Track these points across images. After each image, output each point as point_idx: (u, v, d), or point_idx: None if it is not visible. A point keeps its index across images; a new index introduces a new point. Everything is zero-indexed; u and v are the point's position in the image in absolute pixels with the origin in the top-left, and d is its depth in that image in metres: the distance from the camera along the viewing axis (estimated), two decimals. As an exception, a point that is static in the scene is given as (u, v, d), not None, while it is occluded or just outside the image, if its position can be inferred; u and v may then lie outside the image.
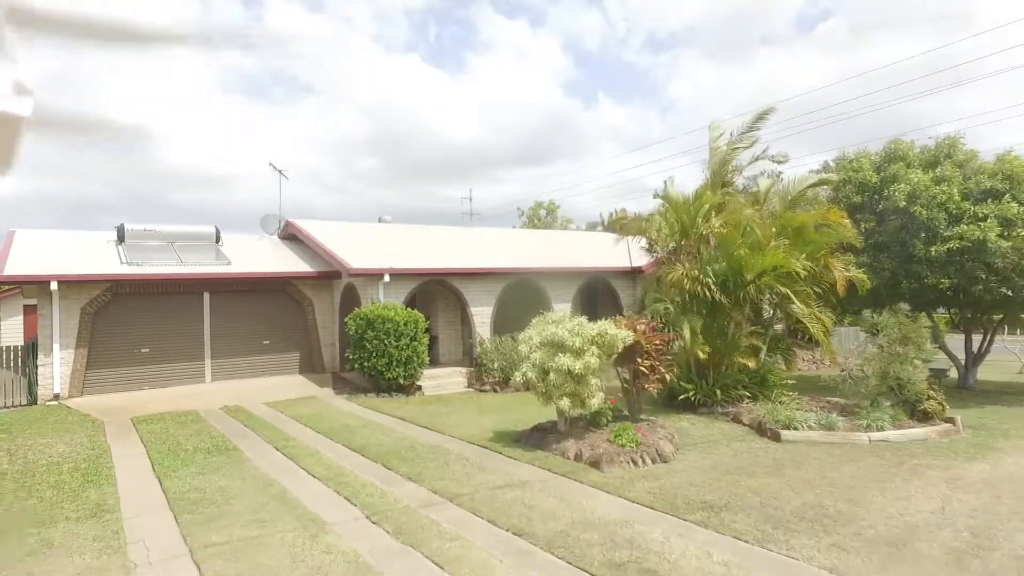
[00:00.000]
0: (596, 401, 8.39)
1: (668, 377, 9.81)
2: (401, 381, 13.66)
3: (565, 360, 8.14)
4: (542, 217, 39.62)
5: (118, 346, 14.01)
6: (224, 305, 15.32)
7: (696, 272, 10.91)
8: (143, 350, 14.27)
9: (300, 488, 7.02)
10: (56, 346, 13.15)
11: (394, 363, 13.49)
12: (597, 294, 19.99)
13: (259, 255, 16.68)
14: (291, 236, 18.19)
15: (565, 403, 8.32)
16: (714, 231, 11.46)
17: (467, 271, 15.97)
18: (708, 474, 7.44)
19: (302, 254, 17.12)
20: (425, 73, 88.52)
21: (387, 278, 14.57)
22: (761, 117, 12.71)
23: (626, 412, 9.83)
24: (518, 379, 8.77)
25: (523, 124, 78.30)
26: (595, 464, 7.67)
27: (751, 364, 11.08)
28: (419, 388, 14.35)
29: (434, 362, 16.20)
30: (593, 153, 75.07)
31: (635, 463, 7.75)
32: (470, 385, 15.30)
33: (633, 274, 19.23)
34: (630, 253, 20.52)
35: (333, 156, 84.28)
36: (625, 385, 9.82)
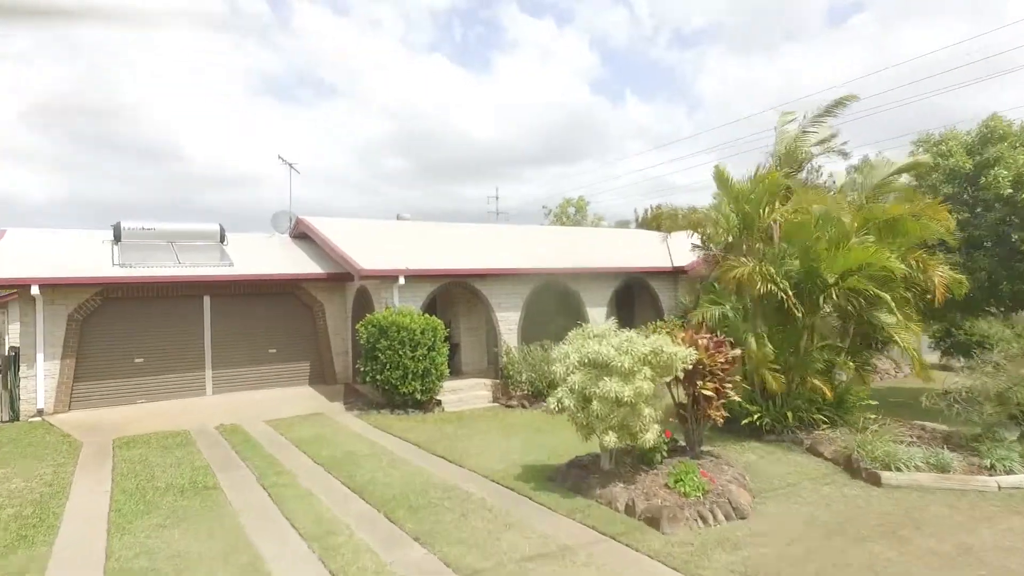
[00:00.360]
0: (651, 436, 6.73)
1: (737, 399, 8.08)
2: (418, 396, 12.16)
3: (612, 386, 6.49)
4: (571, 215, 37.84)
5: (109, 356, 12.77)
6: (226, 310, 14.00)
7: (770, 269, 9.10)
8: (137, 360, 13.01)
9: (277, 553, 5.51)
10: (40, 356, 11.96)
11: (410, 376, 11.99)
12: (634, 296, 18.25)
13: (266, 255, 15.35)
14: (302, 235, 16.84)
15: (611, 439, 6.67)
16: (785, 220, 9.64)
17: (492, 272, 14.39)
18: (802, 538, 5.73)
19: (313, 254, 15.75)
20: (450, 73, 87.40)
21: (402, 280, 13.08)
22: (840, 103, 10.87)
23: (682, 443, 8.14)
24: (552, 406, 7.12)
25: (549, 123, 76.57)
26: (653, 521, 6.01)
27: (828, 390, 9.24)
28: (438, 403, 12.83)
29: (455, 372, 14.69)
30: (619, 151, 72.89)
31: (704, 520, 6.06)
32: (495, 399, 13.73)
33: (675, 274, 17.44)
34: (670, 252, 18.74)
35: (359, 157, 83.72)
36: (681, 411, 8.12)
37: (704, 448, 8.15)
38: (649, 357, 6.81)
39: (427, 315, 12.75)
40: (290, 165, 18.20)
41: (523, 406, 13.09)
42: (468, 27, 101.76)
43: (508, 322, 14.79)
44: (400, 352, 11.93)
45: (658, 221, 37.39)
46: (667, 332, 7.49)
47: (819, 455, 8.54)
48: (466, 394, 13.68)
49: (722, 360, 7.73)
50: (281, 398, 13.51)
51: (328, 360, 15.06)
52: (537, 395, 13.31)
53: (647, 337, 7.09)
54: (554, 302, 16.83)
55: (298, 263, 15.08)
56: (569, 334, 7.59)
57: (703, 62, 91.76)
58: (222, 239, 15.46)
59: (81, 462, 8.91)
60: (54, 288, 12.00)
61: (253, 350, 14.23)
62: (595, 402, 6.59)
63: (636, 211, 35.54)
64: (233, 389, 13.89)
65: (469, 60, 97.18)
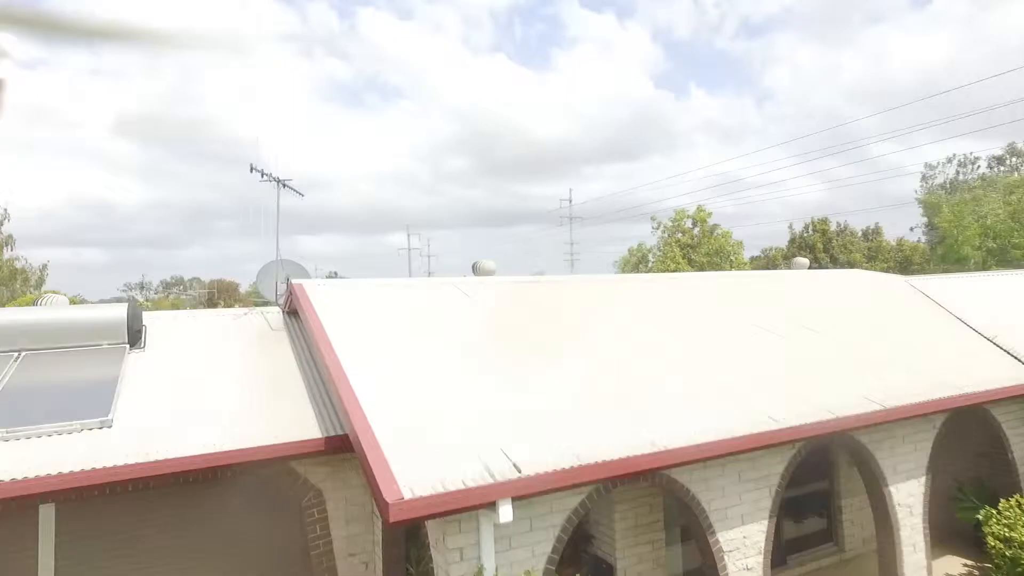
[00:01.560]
0: None
1: None
2: None
3: None
4: (688, 228, 28.60)
5: None
6: (97, 529, 6.13)
7: None
8: None
9: None
10: None
11: None
12: (939, 438, 9.23)
13: (215, 374, 7.41)
14: (297, 312, 8.82)
15: None
16: None
17: (710, 454, 5.94)
18: None
19: (311, 361, 7.78)
20: (512, 72, 79.87)
21: (505, 512, 4.80)
22: None
23: None
24: None
25: (612, 119, 68.00)
26: None
27: None
28: None
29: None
30: (686, 147, 63.64)
31: None
32: None
33: (1039, 399, 8.50)
34: (1008, 349, 9.82)
35: (423, 158, 77.72)
36: None
37: None
38: None
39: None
40: (279, 181, 10.06)
41: None
42: (529, 25, 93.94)
43: (743, 551, 6.33)
44: None
45: (824, 240, 27.29)
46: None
47: None
48: None
49: None
50: None
51: (333, 611, 6.98)
52: None
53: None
54: (818, 480, 8.25)
55: (274, 400, 7.03)
56: None
57: (773, 51, 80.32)
58: (133, 340, 7.64)
59: None
60: None
61: (161, 613, 6.30)
62: None
63: (792, 228, 25.44)
64: None
65: (530, 58, 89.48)
